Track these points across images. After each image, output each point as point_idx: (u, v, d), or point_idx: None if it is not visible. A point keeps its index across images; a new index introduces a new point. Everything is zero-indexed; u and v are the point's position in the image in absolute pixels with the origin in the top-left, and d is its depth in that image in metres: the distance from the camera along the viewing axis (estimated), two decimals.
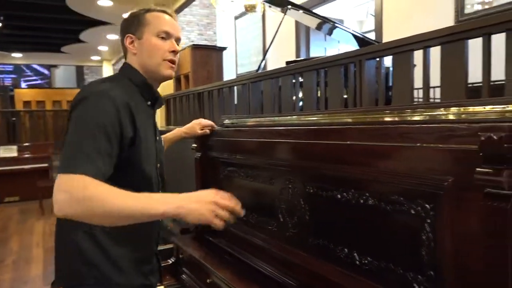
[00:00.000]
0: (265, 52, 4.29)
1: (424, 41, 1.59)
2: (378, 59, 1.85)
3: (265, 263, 1.45)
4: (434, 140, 0.86)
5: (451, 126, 0.82)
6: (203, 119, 1.80)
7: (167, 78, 1.32)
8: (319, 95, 2.28)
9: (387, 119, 1.14)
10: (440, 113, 1.05)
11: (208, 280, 1.62)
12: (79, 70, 13.77)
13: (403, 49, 1.67)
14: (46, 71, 14.33)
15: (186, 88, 5.60)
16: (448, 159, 0.83)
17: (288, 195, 1.37)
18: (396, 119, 1.13)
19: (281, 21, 4.12)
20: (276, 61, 5.33)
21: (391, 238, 1.00)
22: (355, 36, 4.00)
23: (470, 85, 1.63)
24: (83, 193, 0.95)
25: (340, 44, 5.65)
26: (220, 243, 1.76)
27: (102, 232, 1.19)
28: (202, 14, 11.76)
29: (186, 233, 2.07)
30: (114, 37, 8.96)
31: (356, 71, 1.94)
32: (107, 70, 11.96)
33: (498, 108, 0.96)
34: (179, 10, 6.19)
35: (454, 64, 1.48)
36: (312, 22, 4.26)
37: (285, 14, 4.14)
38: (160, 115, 5.58)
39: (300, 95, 2.52)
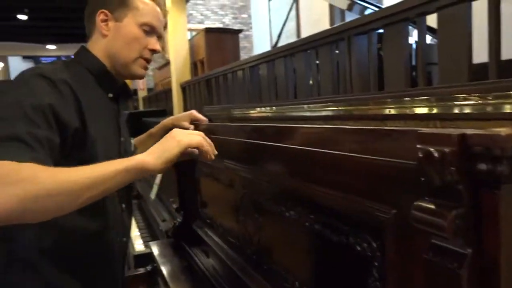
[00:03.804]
0: (279, 33, 3.99)
1: (419, 5, 1.22)
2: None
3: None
4: (377, 150, 0.58)
5: (390, 130, 0.54)
6: (194, 111, 1.51)
7: (138, 78, 1.14)
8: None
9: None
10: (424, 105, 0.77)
11: None
12: None
13: (393, 19, 1.33)
14: None
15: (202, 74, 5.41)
16: (390, 182, 0.56)
17: (246, 207, 1.14)
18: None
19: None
20: None
21: (338, 275, 0.75)
22: None
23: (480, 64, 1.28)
24: (17, 175, 0.70)
25: None
26: (195, 254, 1.56)
27: (44, 260, 0.97)
28: None
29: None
30: None
31: (345, 50, 1.62)
32: None
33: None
34: None
35: (455, 33, 1.13)
36: (342, 3, 3.91)
37: None
38: (177, 103, 5.43)
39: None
